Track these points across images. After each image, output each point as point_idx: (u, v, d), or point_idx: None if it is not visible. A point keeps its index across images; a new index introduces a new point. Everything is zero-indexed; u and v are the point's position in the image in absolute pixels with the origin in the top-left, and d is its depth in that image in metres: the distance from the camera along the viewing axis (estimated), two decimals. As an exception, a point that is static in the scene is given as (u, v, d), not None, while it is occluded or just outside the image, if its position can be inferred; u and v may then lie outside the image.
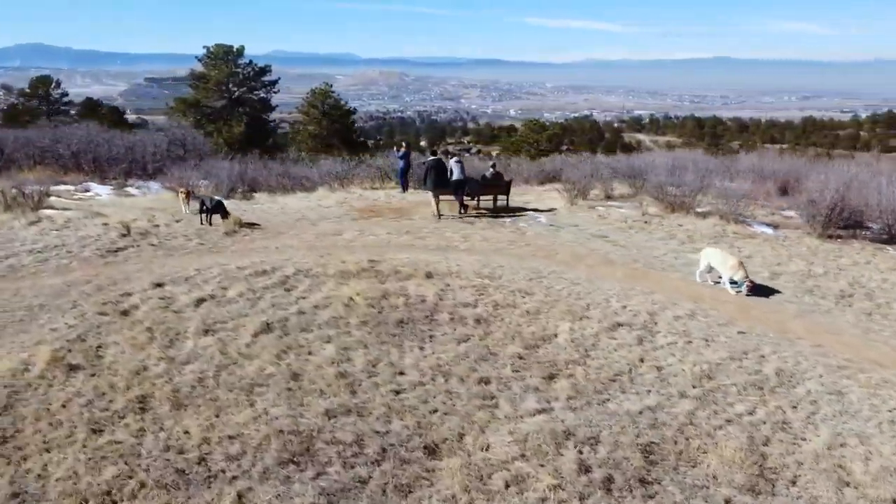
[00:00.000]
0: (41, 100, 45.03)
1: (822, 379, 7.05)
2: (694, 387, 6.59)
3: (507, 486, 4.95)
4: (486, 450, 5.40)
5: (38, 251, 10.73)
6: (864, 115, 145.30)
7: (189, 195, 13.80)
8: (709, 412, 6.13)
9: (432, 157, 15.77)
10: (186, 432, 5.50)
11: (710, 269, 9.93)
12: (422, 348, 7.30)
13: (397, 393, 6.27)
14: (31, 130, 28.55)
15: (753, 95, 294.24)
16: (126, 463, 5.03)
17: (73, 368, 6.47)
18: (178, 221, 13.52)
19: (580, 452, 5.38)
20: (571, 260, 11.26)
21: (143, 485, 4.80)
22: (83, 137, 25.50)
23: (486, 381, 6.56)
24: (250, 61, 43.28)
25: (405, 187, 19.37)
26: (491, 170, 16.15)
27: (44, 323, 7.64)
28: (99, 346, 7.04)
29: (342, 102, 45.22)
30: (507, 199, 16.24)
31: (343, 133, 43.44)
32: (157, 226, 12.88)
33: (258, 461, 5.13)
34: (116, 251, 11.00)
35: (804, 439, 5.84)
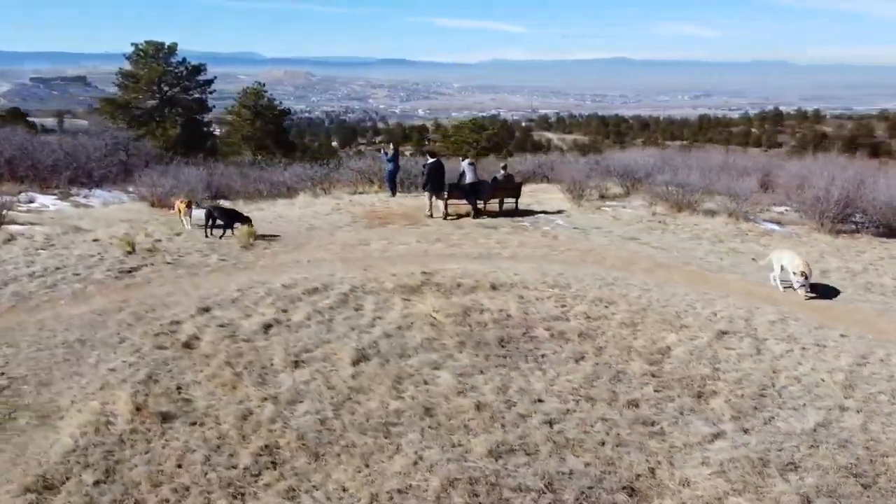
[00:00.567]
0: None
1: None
2: (846, 398, 6.25)
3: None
4: (688, 485, 4.84)
5: (39, 275, 9.35)
6: (752, 113, 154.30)
7: (190, 207, 12.50)
8: (879, 425, 5.79)
9: (432, 160, 15.12)
10: (344, 488, 4.66)
11: (783, 270, 9.72)
12: (542, 370, 6.65)
13: (550, 424, 5.61)
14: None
15: (650, 94, 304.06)
16: (299, 536, 4.17)
17: (165, 417, 5.46)
18: (178, 235, 12.25)
19: (787, 481, 4.90)
20: (622, 264, 10.86)
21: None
22: (16, 142, 23.12)
23: (635, 404, 5.99)
24: (183, 59, 40.84)
25: (394, 191, 18.53)
26: (502, 171, 15.60)
27: (95, 362, 6.51)
28: (179, 388, 6.03)
29: (275, 103, 43.56)
30: (517, 202, 15.75)
31: (276, 135, 41.74)
32: (159, 240, 11.61)
33: (451, 520, 4.38)
34: (131, 272, 9.74)
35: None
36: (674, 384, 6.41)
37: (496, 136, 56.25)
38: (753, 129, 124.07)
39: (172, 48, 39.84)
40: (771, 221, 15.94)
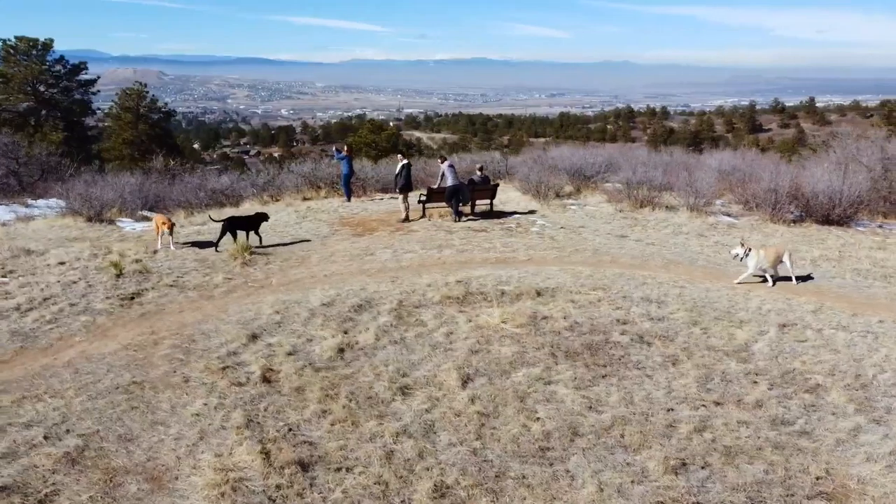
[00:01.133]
0: None
1: None
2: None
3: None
4: (867, 483, 4.87)
5: (27, 308, 8.07)
6: (606, 110, 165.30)
7: (172, 227, 11.23)
8: None
9: (404, 161, 14.72)
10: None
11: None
12: (650, 376, 6.53)
13: (700, 432, 5.48)
14: None
15: (509, 93, 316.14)
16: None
17: (304, 466, 4.80)
18: (154, 253, 11.04)
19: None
20: (637, 263, 10.98)
21: None
22: None
23: (761, 405, 6.00)
24: (61, 57, 37.27)
25: (349, 196, 17.76)
26: (479, 173, 15.37)
27: (171, 407, 5.64)
28: (290, 429, 5.34)
29: (160, 104, 40.86)
30: (492, 203, 15.60)
31: (163, 138, 38.86)
32: (140, 261, 10.35)
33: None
34: (133, 297, 8.61)
35: None
36: (778, 381, 6.49)
37: (394, 136, 55.73)
38: (609, 126, 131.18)
39: (48, 45, 36.15)
40: (724, 214, 16.84)
